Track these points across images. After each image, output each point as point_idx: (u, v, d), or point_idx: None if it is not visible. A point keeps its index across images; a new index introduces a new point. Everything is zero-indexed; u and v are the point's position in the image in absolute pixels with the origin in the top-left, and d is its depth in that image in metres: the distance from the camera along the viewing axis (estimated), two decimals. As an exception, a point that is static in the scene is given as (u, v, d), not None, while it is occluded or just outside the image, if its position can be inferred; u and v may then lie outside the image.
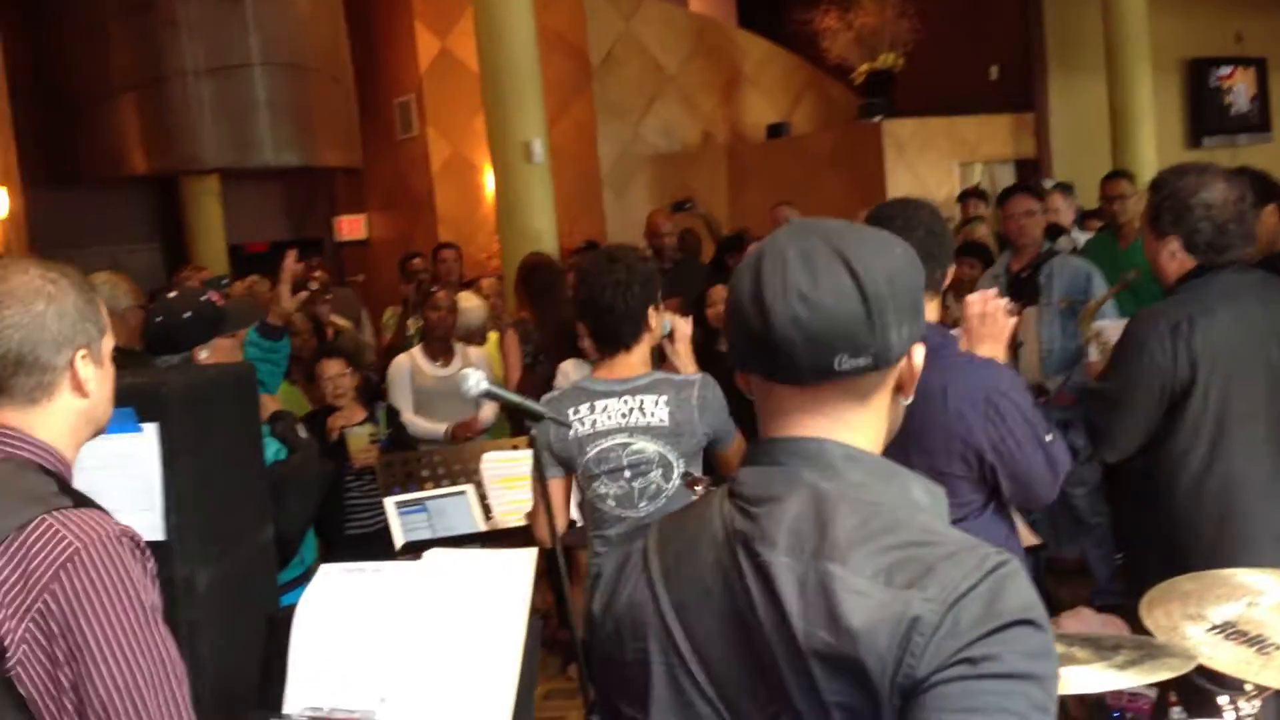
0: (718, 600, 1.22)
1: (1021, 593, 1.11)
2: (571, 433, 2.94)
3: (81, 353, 1.76)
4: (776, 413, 1.27)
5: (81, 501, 1.71)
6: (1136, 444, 3.04)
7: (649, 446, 2.98)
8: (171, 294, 3.57)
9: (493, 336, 6.34)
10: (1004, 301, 2.76)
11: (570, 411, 2.98)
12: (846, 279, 1.19)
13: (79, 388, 1.77)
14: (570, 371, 4.94)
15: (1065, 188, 7.98)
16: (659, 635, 1.26)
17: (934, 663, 1.07)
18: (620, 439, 2.99)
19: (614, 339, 3.06)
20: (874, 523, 1.16)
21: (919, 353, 1.27)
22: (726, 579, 1.21)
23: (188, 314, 3.25)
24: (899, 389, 1.28)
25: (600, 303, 3.02)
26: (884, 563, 1.13)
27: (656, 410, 3.00)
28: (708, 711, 1.22)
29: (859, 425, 1.24)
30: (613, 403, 2.99)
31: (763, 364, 1.24)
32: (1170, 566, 2.63)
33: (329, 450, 4.76)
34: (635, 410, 2.99)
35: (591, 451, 2.98)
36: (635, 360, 3.07)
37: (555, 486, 3.01)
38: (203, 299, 3.35)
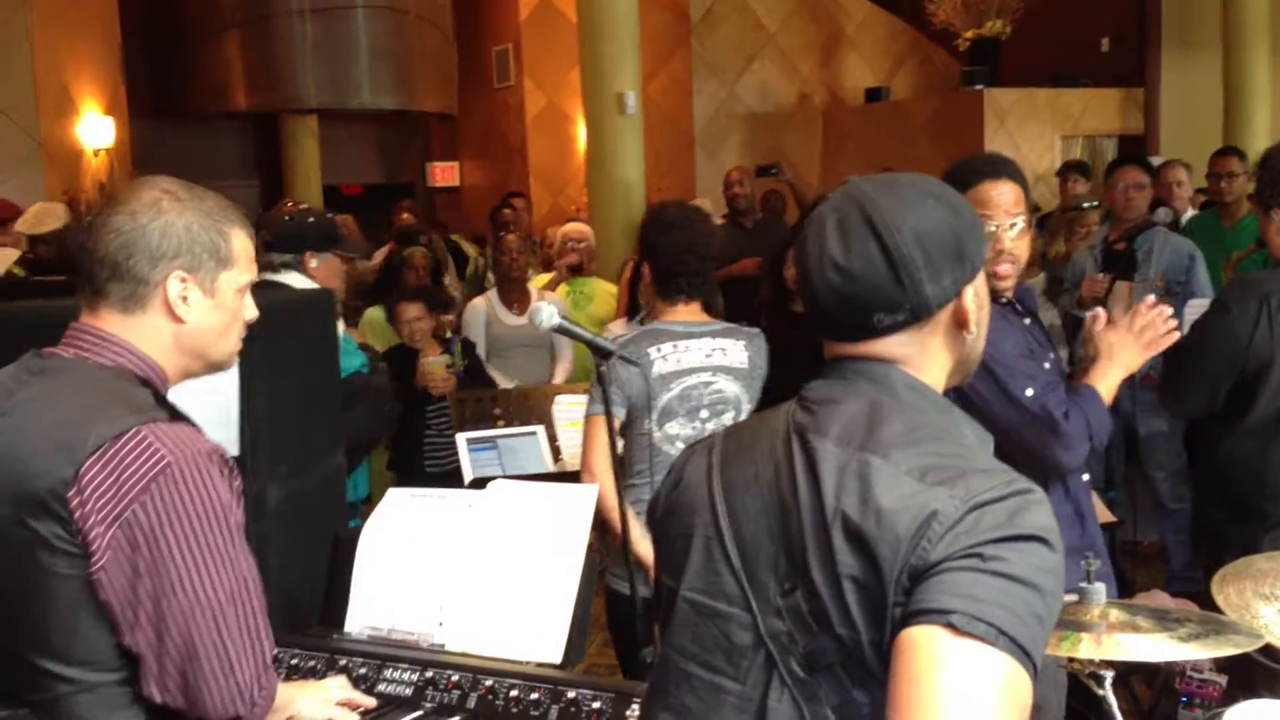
0: (764, 483, 1.33)
1: (1043, 516, 1.18)
2: (655, 370, 2.96)
3: (179, 274, 1.72)
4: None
5: (176, 416, 1.70)
6: (1201, 408, 2.95)
7: (729, 387, 3.03)
8: (302, 205, 4.01)
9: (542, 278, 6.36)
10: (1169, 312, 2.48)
11: (652, 350, 2.99)
12: (873, 245, 1.30)
13: (169, 309, 1.73)
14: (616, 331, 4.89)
15: (1185, 166, 7.70)
16: (705, 512, 1.38)
17: (947, 551, 1.15)
18: (703, 377, 3.03)
19: (705, 283, 3.10)
20: (920, 431, 1.27)
21: (969, 292, 1.35)
22: (776, 464, 1.33)
23: (312, 219, 3.63)
24: (960, 325, 1.36)
25: (706, 246, 3.07)
26: (921, 464, 1.22)
27: (736, 353, 3.06)
28: (730, 581, 1.33)
29: (916, 364, 1.35)
30: (694, 342, 3.03)
31: (818, 324, 1.38)
32: (1241, 547, 2.56)
33: (410, 388, 4.85)
34: (718, 351, 3.05)
35: (676, 389, 3.00)
36: (701, 308, 3.12)
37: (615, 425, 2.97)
38: (328, 215, 3.74)
